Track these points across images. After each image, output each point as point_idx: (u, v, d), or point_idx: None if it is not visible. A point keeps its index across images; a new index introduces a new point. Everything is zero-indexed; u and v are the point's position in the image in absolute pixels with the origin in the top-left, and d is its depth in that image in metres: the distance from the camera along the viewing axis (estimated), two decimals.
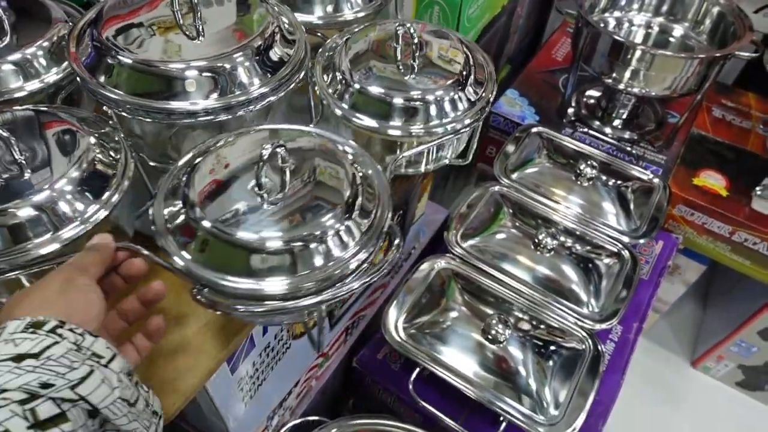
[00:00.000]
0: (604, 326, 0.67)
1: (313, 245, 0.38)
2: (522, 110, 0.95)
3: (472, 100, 0.54)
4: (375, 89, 0.52)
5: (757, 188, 0.83)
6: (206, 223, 0.38)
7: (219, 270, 0.37)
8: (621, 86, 0.84)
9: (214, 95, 0.43)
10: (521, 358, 0.68)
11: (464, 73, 0.54)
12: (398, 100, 0.52)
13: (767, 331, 0.94)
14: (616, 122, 0.94)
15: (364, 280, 0.39)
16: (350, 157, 0.44)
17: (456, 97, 0.52)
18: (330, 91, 0.53)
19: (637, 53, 0.79)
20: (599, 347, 0.65)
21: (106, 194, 0.41)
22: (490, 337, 0.67)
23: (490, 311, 0.70)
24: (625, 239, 0.76)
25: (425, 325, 0.70)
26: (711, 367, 1.07)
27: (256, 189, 0.39)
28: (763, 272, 0.84)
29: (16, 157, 0.39)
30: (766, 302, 0.90)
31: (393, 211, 0.68)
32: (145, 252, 0.39)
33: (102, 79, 0.43)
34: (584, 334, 0.66)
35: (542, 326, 0.69)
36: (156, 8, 0.46)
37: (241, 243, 0.37)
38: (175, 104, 0.42)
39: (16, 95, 0.48)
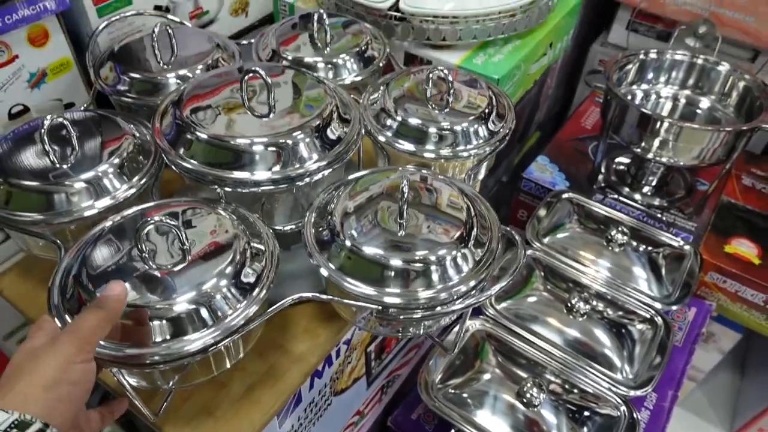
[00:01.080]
0: (638, 393, 0.67)
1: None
2: (553, 176, 0.98)
3: (493, 131, 0.62)
4: (413, 121, 0.60)
5: None
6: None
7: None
8: (650, 156, 0.87)
9: (277, 167, 0.48)
10: (555, 423, 0.68)
11: (487, 111, 0.62)
12: (432, 130, 0.59)
13: None
14: (646, 189, 0.96)
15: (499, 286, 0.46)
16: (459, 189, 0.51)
17: (479, 129, 0.60)
18: (377, 125, 0.61)
19: (665, 125, 0.82)
20: (635, 414, 0.66)
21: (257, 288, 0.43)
22: (524, 400, 0.68)
23: (523, 374, 0.71)
24: (658, 305, 0.77)
25: (459, 386, 0.71)
26: None
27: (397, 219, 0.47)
28: None
29: (185, 246, 0.42)
30: None
31: None
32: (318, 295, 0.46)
33: (181, 151, 0.48)
34: (619, 400, 0.67)
35: (575, 391, 0.70)
36: (229, 89, 0.52)
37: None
38: (241, 174, 0.47)
39: (86, 213, 0.49)
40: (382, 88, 0.63)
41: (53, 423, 0.33)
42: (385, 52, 0.68)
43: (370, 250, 0.45)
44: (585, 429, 0.68)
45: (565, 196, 0.91)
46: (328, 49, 0.67)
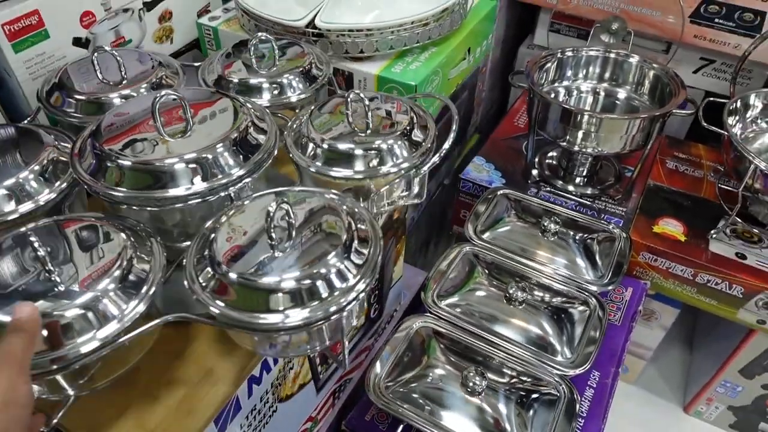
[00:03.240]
0: (577, 372, 0.70)
1: (319, 281, 0.44)
2: (489, 175, 1.02)
3: (417, 144, 0.62)
4: (341, 146, 0.59)
5: (712, 231, 0.89)
6: (233, 276, 0.44)
7: (249, 311, 0.43)
8: (576, 148, 0.91)
9: (198, 179, 0.50)
10: (501, 409, 0.71)
11: (409, 127, 0.62)
12: (359, 152, 0.59)
13: (748, 369, 0.96)
14: (578, 180, 1.01)
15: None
16: (340, 203, 0.51)
17: (403, 144, 0.61)
18: (304, 155, 0.61)
19: (585, 118, 0.87)
20: (573, 391, 0.68)
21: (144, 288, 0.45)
22: (468, 389, 0.70)
23: (469, 366, 0.74)
24: (593, 288, 0.81)
25: (408, 382, 0.73)
26: (703, 411, 1.08)
27: (268, 241, 0.46)
28: (729, 310, 0.88)
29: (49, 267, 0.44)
30: (742, 340, 0.94)
31: None
32: (190, 315, 0.45)
33: (103, 181, 0.50)
34: (559, 380, 0.70)
35: (519, 376, 0.72)
36: (146, 122, 0.54)
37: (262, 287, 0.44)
38: (170, 192, 0.49)
39: (10, 217, 0.52)
40: (305, 116, 0.64)
41: None
42: (328, 71, 0.71)
43: (250, 281, 0.45)
44: (530, 412, 0.70)
45: (500, 192, 0.94)
46: (273, 69, 0.69)
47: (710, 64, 1.09)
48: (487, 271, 0.86)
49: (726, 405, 1.04)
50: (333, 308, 0.44)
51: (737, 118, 0.90)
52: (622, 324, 0.87)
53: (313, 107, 0.63)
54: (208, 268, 0.46)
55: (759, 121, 0.92)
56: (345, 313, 0.46)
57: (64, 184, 0.56)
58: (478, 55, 0.92)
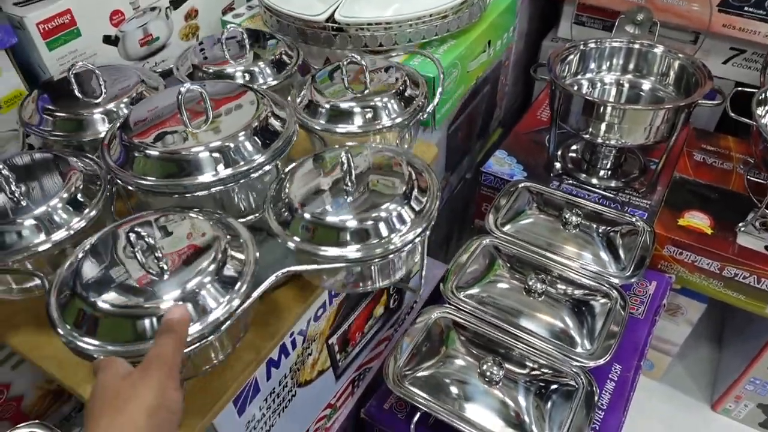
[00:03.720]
0: (596, 363, 0.70)
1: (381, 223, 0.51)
2: (511, 168, 1.02)
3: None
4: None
5: (741, 224, 0.87)
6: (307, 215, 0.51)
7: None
8: (599, 140, 0.90)
9: (221, 167, 0.52)
10: (520, 400, 0.71)
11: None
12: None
13: None
14: (601, 173, 1.00)
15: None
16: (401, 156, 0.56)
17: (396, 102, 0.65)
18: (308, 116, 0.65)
19: (608, 109, 0.86)
20: (592, 383, 0.68)
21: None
22: (486, 379, 0.71)
23: (487, 356, 0.74)
24: (615, 280, 0.80)
25: (427, 372, 0.73)
26: (731, 408, 1.06)
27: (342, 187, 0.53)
28: (758, 305, 0.86)
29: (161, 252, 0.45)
30: None
31: None
32: None
33: (132, 170, 0.52)
34: (578, 372, 0.69)
35: (539, 368, 0.72)
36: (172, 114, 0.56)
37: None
38: (192, 180, 0.51)
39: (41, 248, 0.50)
40: (308, 83, 0.69)
41: None
42: (298, 58, 0.74)
43: (329, 218, 0.52)
44: (548, 403, 0.70)
45: (522, 185, 0.94)
46: (245, 59, 0.72)
47: (741, 54, 1.06)
48: (507, 264, 0.86)
49: (756, 403, 1.01)
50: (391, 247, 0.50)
51: (767, 108, 0.88)
52: (645, 317, 0.86)
53: (311, 75, 0.67)
54: (286, 213, 0.52)
55: None
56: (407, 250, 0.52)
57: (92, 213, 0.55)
58: (498, 48, 0.92)
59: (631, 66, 0.98)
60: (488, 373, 0.70)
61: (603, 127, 0.88)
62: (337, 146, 0.61)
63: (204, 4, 0.88)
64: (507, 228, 0.89)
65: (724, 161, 1.01)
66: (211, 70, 0.71)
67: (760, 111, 0.86)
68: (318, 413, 0.70)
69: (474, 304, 0.78)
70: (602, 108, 0.86)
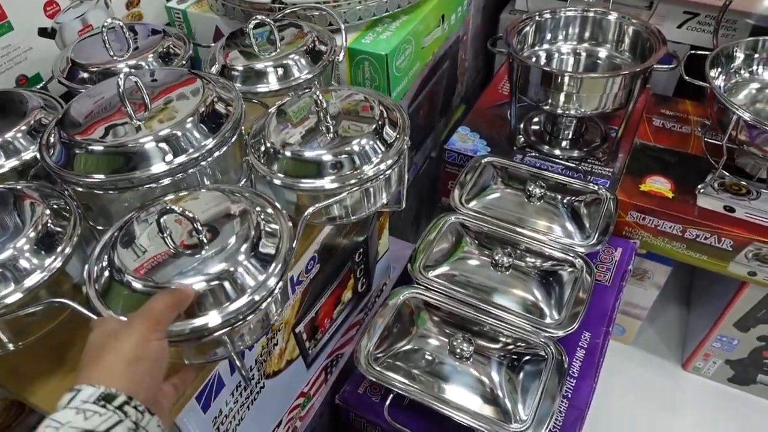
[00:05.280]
0: (564, 333, 0.70)
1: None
2: (474, 144, 1.01)
3: (389, 142, 0.58)
4: (305, 153, 0.56)
5: (700, 186, 0.88)
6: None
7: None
8: (558, 111, 0.90)
9: (169, 156, 0.50)
10: (492, 374, 0.71)
11: (379, 123, 0.58)
12: (327, 158, 0.55)
13: (743, 322, 0.96)
14: (564, 143, 1.00)
15: None
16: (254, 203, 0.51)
17: (374, 144, 0.57)
18: (263, 163, 0.58)
19: (566, 79, 0.86)
20: (561, 352, 0.69)
21: (59, 248, 0.47)
22: (457, 356, 0.71)
23: (457, 333, 0.74)
24: (580, 249, 0.80)
25: (399, 353, 0.73)
26: (701, 367, 1.08)
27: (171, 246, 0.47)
28: (719, 264, 0.88)
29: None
30: (735, 293, 0.93)
31: (353, 250, 0.73)
32: (77, 306, 0.45)
33: (74, 167, 0.50)
34: (547, 342, 0.70)
35: (509, 342, 0.72)
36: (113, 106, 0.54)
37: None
38: (139, 173, 0.49)
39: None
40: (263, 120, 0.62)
41: (137, 396, 0.36)
42: (332, 45, 0.69)
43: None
44: (520, 375, 0.71)
45: (485, 160, 0.94)
46: (275, 52, 0.67)
47: (694, 17, 1.07)
48: (475, 240, 0.85)
49: (723, 359, 1.04)
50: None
51: (719, 70, 0.89)
52: (612, 284, 0.87)
53: (275, 108, 0.61)
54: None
55: (742, 71, 0.90)
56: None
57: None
58: (453, 22, 0.91)
59: (587, 34, 0.97)
60: (458, 350, 0.70)
61: (562, 97, 0.88)
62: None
63: None
64: (473, 204, 0.89)
65: (682, 125, 1.02)
66: (239, 67, 0.67)
67: (713, 73, 0.87)
68: (290, 403, 0.69)
69: (443, 283, 0.77)
70: (560, 78, 0.86)
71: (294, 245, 0.48)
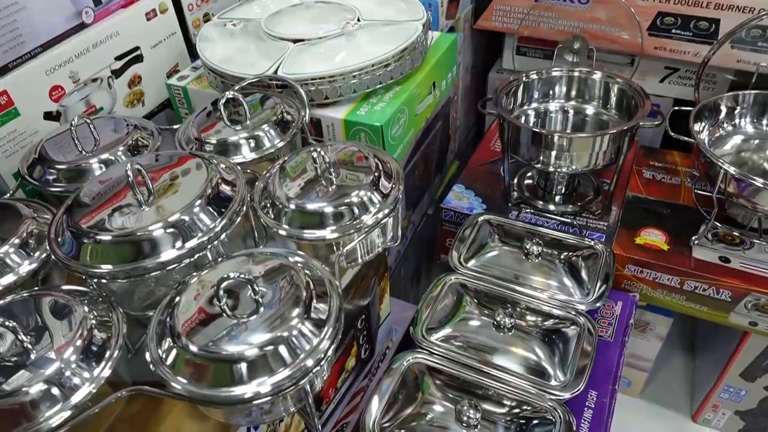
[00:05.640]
0: (570, 395, 0.70)
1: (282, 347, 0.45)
2: (470, 201, 1.03)
3: (386, 193, 0.62)
4: (308, 206, 0.59)
5: (694, 238, 0.89)
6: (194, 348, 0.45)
7: (213, 386, 0.44)
8: (550, 168, 0.92)
9: (179, 244, 0.50)
10: None
11: (375, 175, 0.62)
12: (328, 209, 0.59)
13: (748, 373, 0.95)
14: (558, 198, 1.02)
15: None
16: (300, 265, 0.52)
17: (371, 195, 0.61)
18: (271, 216, 0.61)
19: (555, 139, 0.88)
20: (569, 416, 0.68)
21: (107, 353, 0.46)
22: (464, 424, 0.70)
23: (463, 398, 0.73)
24: (581, 306, 0.81)
25: (405, 422, 0.72)
26: (710, 418, 1.07)
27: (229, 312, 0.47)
28: (720, 315, 0.88)
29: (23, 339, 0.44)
30: (738, 343, 0.93)
31: (355, 316, 0.74)
32: (148, 388, 0.45)
33: (84, 259, 0.50)
34: (554, 405, 0.69)
35: (515, 405, 0.72)
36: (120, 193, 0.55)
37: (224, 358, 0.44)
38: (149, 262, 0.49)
39: None
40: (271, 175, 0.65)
41: None
42: (300, 116, 0.72)
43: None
44: None
45: (482, 218, 0.95)
46: (247, 123, 0.70)
47: (675, 72, 1.11)
48: (475, 300, 0.86)
49: (732, 410, 1.02)
50: (299, 373, 0.44)
51: (703, 124, 0.92)
52: (615, 340, 0.86)
53: (276, 166, 0.64)
54: (169, 340, 0.46)
55: (725, 124, 0.93)
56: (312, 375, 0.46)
57: (44, 255, 0.58)
58: (444, 87, 0.94)
59: (574, 93, 1.01)
60: (465, 417, 0.69)
61: (552, 155, 0.90)
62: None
63: (148, 69, 0.88)
64: (471, 263, 0.90)
65: (672, 176, 1.04)
66: (213, 141, 0.69)
67: (697, 128, 0.90)
68: None
69: (446, 346, 0.77)
70: (549, 138, 0.88)
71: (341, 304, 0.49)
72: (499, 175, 1.08)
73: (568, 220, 0.97)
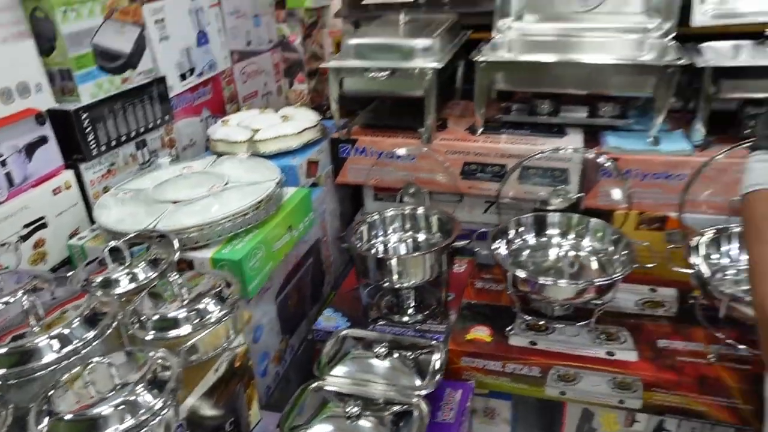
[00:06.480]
0: None
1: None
2: (336, 322, 1.22)
3: (225, 299, 0.83)
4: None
5: (508, 329, 1.12)
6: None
7: None
8: (396, 286, 1.15)
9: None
10: None
11: (215, 291, 0.83)
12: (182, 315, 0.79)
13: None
14: (409, 311, 1.23)
15: None
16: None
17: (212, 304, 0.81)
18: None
19: (392, 261, 1.13)
20: None
21: None
22: None
23: None
24: (422, 392, 0.99)
25: None
26: None
27: None
28: (538, 390, 1.08)
29: None
30: (561, 414, 1.12)
31: (223, 421, 0.87)
32: None
33: None
34: None
35: None
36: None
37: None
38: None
39: None
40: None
41: None
42: (171, 257, 0.92)
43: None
44: None
45: (342, 333, 1.14)
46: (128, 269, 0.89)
47: (492, 204, 1.43)
48: (335, 401, 1.01)
49: None
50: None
51: (503, 241, 1.20)
52: (456, 421, 1.03)
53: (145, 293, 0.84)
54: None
55: (517, 240, 1.22)
56: None
57: None
58: (302, 229, 1.18)
59: (408, 226, 1.29)
60: None
61: (394, 275, 1.14)
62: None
63: (52, 233, 1.06)
64: (335, 371, 1.07)
65: (499, 284, 1.30)
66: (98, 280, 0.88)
67: (496, 244, 1.18)
68: None
69: None
70: (387, 261, 1.13)
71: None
72: (360, 298, 1.30)
73: (416, 327, 1.18)
